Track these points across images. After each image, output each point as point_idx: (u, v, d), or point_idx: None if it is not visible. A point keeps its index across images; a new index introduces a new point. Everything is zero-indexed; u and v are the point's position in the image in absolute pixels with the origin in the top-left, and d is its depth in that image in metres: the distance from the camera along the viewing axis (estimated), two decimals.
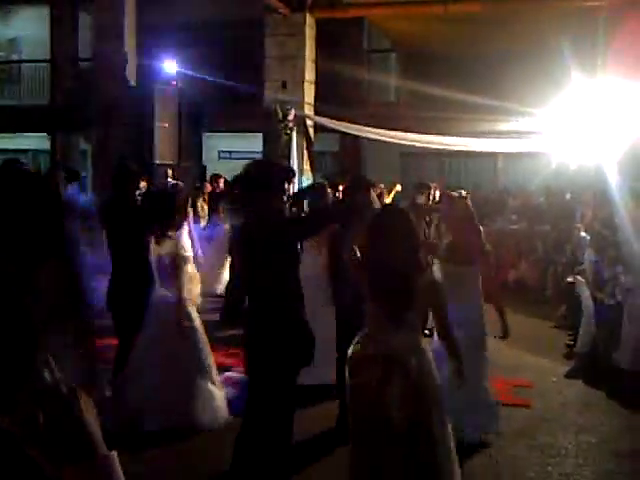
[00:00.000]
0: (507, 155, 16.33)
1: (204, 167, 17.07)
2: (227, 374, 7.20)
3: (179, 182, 7.24)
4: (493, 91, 14.15)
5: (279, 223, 4.41)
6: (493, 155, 16.66)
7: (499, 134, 13.70)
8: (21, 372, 1.30)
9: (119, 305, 6.20)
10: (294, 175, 4.96)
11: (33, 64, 21.14)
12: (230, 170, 13.17)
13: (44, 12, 20.52)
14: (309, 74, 14.25)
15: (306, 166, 14.20)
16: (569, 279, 9.40)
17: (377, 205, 5.49)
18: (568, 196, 14.22)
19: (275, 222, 4.36)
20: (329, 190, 7.14)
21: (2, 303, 1.31)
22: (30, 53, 21.34)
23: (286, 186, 4.75)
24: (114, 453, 1.42)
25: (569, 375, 7.85)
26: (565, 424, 6.37)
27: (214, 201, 11.65)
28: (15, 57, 22.08)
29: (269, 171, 4.59)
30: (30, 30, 21.38)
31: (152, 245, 6.08)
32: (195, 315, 6.20)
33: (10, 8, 21.74)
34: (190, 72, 13.84)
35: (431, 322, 4.73)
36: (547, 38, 13.12)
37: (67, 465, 1.34)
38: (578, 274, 9.08)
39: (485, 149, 13.60)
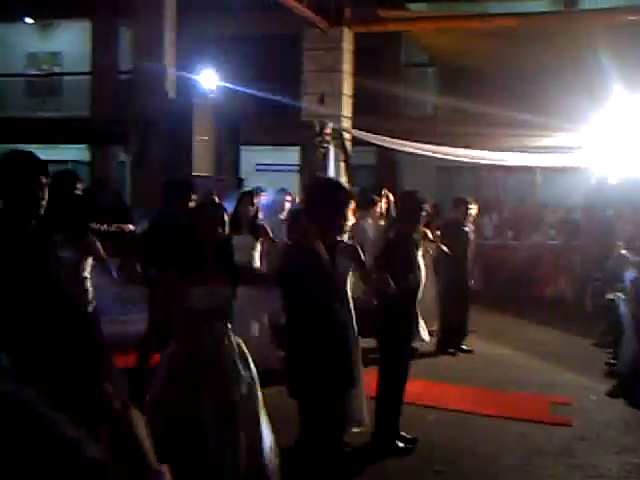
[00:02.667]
0: (546, 170, 16.18)
1: (241, 180, 17.13)
2: None
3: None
4: (532, 106, 14.04)
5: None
6: (531, 170, 16.50)
7: (538, 149, 13.56)
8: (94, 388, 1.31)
9: None
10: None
11: (74, 77, 21.49)
12: (266, 183, 13.28)
13: (86, 26, 20.92)
14: (347, 88, 14.27)
15: (343, 179, 14.18)
16: (609, 296, 9.28)
17: None
18: (610, 212, 14.04)
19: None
20: None
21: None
22: (71, 66, 21.71)
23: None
24: (165, 467, 1.42)
25: (610, 394, 7.72)
26: (607, 444, 6.26)
27: None
28: (57, 70, 22.47)
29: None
30: (72, 43, 21.79)
31: None
32: None
33: (52, 22, 22.20)
34: (229, 85, 13.90)
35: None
36: (587, 52, 12.98)
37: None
38: (618, 291, 8.97)
39: (524, 164, 13.46)
